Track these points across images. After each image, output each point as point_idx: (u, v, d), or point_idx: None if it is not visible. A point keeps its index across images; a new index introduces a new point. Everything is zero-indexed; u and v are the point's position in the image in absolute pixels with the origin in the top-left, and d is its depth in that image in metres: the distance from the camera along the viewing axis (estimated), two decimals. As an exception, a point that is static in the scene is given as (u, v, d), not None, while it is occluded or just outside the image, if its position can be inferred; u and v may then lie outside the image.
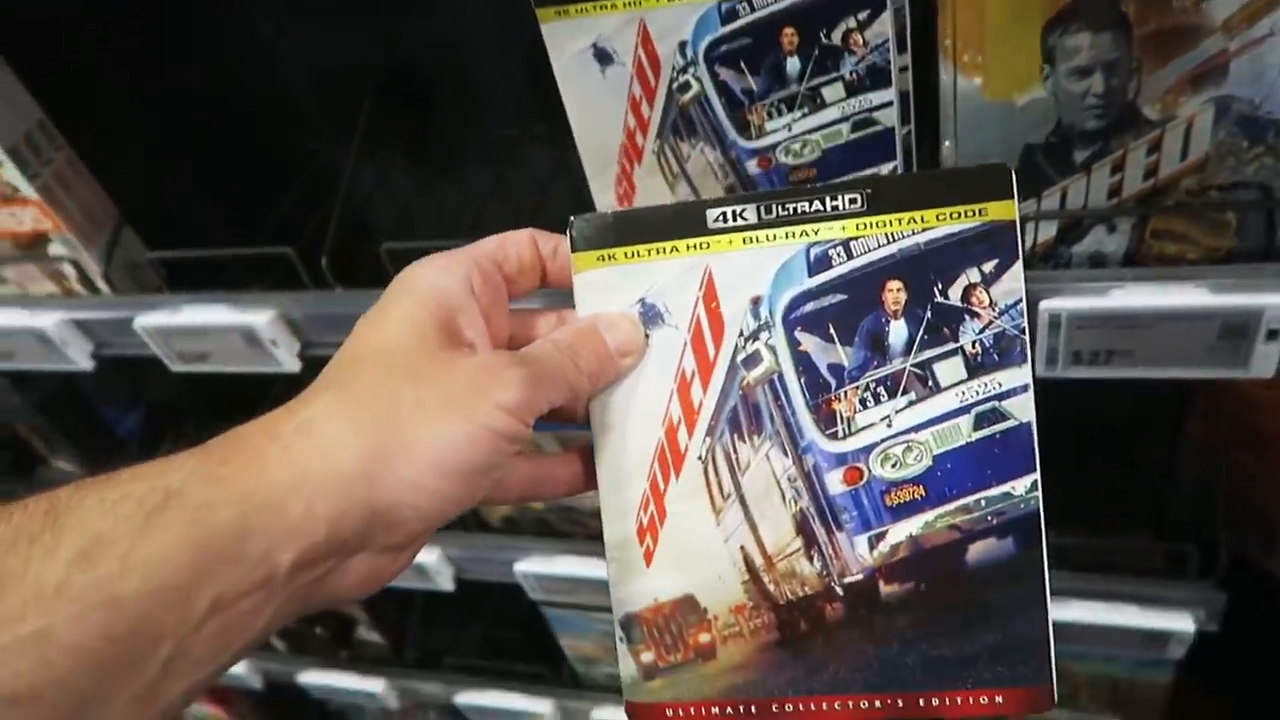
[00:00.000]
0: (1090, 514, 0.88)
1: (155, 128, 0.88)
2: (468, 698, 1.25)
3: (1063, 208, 0.58)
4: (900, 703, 0.50)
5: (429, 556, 1.03)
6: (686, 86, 0.64)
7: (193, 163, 0.87)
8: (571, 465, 0.53)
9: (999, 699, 0.49)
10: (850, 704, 0.51)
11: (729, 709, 0.52)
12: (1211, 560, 0.81)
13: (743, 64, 0.62)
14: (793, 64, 0.62)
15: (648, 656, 0.53)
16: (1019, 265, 0.48)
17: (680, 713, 0.52)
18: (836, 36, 0.60)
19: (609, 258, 0.51)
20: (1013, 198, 0.47)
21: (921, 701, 0.50)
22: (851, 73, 0.61)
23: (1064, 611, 0.82)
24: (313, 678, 1.34)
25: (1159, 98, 0.53)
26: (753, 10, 0.61)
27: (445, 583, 1.04)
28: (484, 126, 0.87)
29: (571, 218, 0.51)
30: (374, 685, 1.30)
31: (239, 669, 1.37)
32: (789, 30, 0.61)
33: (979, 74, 0.54)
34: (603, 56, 0.63)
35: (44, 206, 0.83)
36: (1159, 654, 0.83)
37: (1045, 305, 0.57)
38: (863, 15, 0.59)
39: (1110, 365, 0.58)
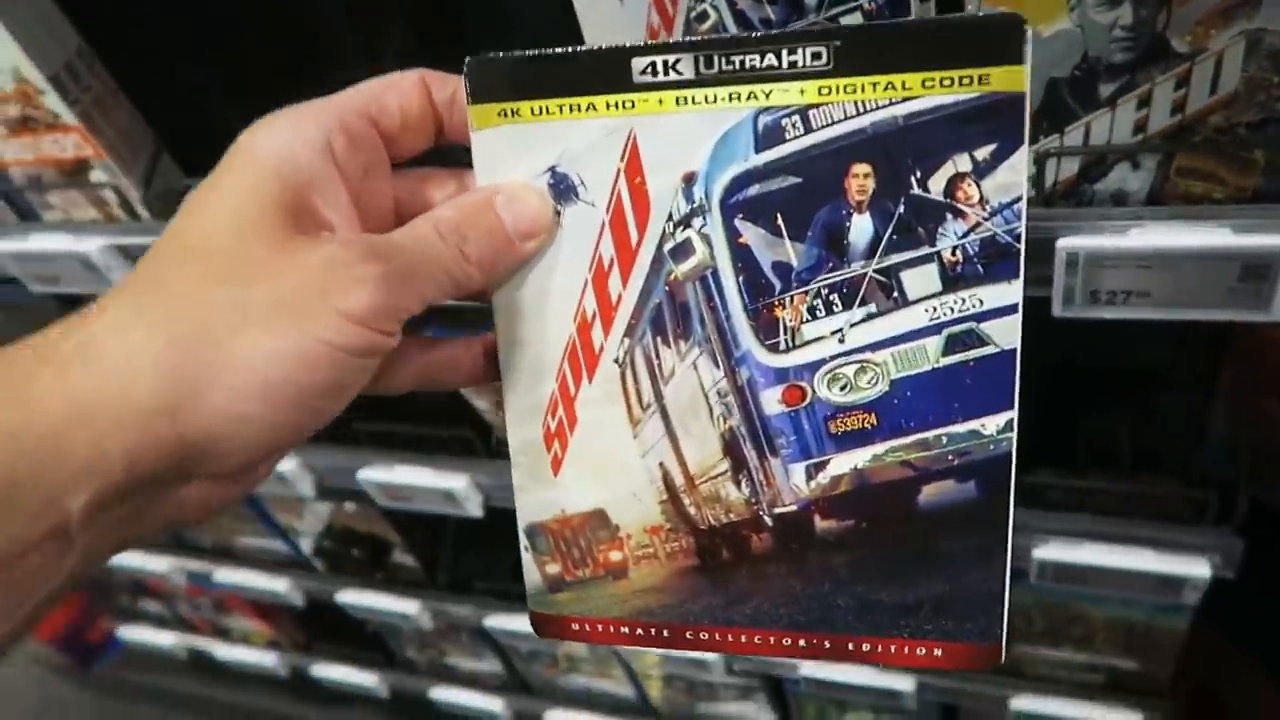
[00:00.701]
0: (1113, 458, 0.84)
1: (190, 54, 0.82)
2: (497, 620, 1.24)
3: (1086, 143, 0.53)
4: (827, 644, 0.44)
5: (457, 483, 0.99)
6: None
7: (226, 90, 0.80)
8: (473, 352, 0.45)
9: (938, 651, 0.43)
10: (772, 639, 0.45)
11: (639, 630, 0.47)
12: (1230, 506, 0.77)
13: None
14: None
15: (554, 568, 0.47)
16: (1023, 153, 0.37)
17: (587, 627, 0.47)
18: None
19: (512, 113, 0.41)
20: (1024, 62, 0.36)
21: (851, 645, 0.44)
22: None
23: (1079, 554, 0.80)
24: (350, 597, 1.35)
25: (1189, 30, 0.49)
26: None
27: (474, 509, 1.01)
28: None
29: (468, 60, 0.41)
30: (408, 607, 1.30)
31: (280, 586, 1.41)
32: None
33: (1005, 4, 0.48)
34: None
35: (84, 133, 0.82)
36: (1175, 599, 0.80)
37: (1062, 243, 0.52)
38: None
39: (1128, 306, 0.54)
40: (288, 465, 1.11)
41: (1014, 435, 0.40)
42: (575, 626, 0.48)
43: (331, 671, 1.61)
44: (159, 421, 0.34)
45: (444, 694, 1.50)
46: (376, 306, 0.36)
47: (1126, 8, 0.49)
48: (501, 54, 0.40)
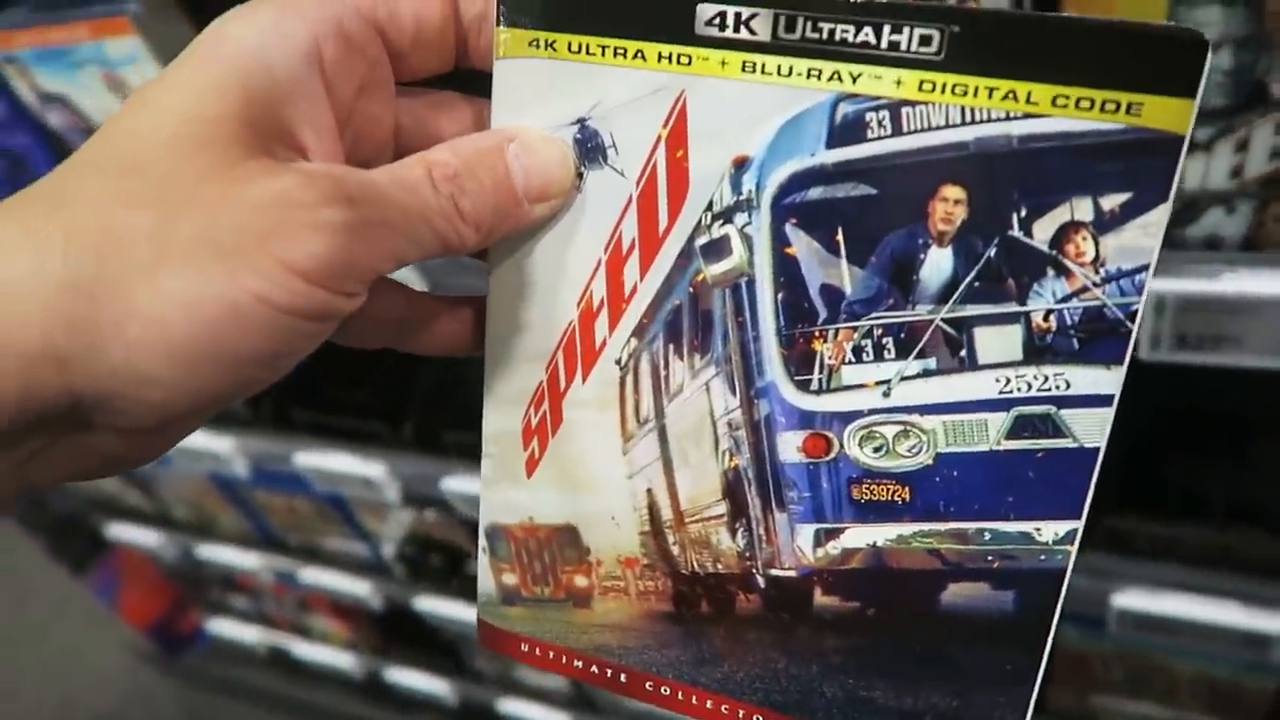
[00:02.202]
0: (1204, 506, 0.79)
1: None
2: None
3: (1180, 187, 0.48)
4: (806, 732, 0.38)
5: None
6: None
7: None
8: (461, 316, 0.39)
9: (935, 772, 0.36)
10: (740, 713, 0.38)
11: (594, 668, 0.40)
12: None
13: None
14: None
15: (510, 579, 0.41)
16: (1163, 212, 0.29)
17: (538, 651, 0.41)
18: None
19: (547, 45, 0.34)
20: (1195, 96, 0.28)
21: (831, 741, 0.37)
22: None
23: (1162, 604, 0.76)
24: (427, 604, 1.35)
25: None
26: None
27: None
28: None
29: (503, -27, 0.33)
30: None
31: (362, 589, 1.41)
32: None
33: None
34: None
35: None
36: (1261, 657, 0.74)
37: (1151, 286, 0.47)
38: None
39: (1218, 352, 0.53)
40: (374, 470, 1.11)
41: (1074, 550, 0.33)
42: (524, 647, 0.42)
43: (404, 677, 1.62)
44: (43, 368, 0.27)
45: (511, 706, 1.50)
46: (333, 261, 0.29)
47: (1225, 53, 0.49)
48: (545, -28, 0.33)
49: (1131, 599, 0.76)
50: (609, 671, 0.40)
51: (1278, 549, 0.73)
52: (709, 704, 0.39)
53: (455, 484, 1.06)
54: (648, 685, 0.40)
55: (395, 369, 1.14)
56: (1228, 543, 0.74)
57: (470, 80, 0.37)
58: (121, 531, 1.63)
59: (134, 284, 0.28)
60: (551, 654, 0.41)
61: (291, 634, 1.76)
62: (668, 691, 0.39)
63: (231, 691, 1.91)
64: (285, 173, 0.30)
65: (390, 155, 0.36)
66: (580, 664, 0.41)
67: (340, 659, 1.70)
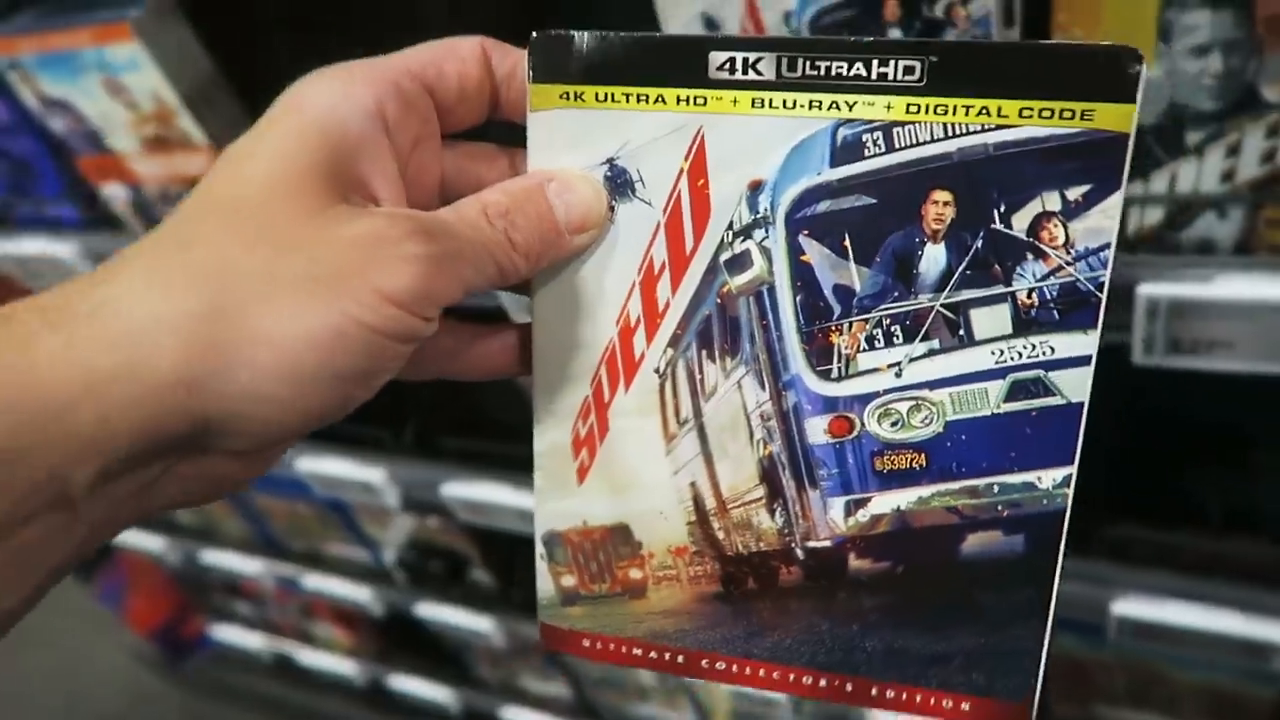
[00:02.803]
0: (1203, 513, 0.81)
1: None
2: None
3: (1172, 191, 0.53)
4: (849, 686, 0.42)
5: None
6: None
7: None
8: (507, 343, 0.43)
9: (965, 706, 0.41)
10: (791, 676, 0.43)
11: (652, 653, 0.44)
12: None
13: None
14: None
15: (569, 580, 0.45)
16: (1118, 198, 0.35)
17: (599, 645, 0.45)
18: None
19: (575, 96, 0.38)
20: (1134, 101, 0.33)
21: (874, 690, 0.42)
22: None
23: (1162, 612, 0.76)
24: (428, 610, 1.36)
25: (1279, 80, 0.49)
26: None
27: None
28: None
29: (534, 34, 0.38)
30: (482, 624, 1.30)
31: (364, 595, 1.42)
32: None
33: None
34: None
35: (213, 153, 0.86)
36: (1262, 665, 0.74)
37: (1143, 290, 0.52)
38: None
39: (1211, 356, 0.53)
40: (375, 476, 1.12)
41: (1070, 492, 0.38)
42: (586, 643, 0.46)
43: (406, 684, 1.62)
44: (174, 394, 0.31)
45: (514, 714, 1.50)
46: (419, 289, 0.33)
47: (1216, 56, 0.49)
48: (571, 31, 0.37)
49: (1131, 607, 0.76)
50: (667, 655, 0.44)
51: (1277, 556, 0.73)
52: (761, 672, 0.43)
53: (455, 489, 1.07)
54: (703, 663, 0.44)
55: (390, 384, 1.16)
56: (1226, 550, 0.75)
57: (494, 131, 0.42)
58: (127, 536, 1.62)
59: (252, 314, 0.32)
60: (612, 646, 0.45)
61: (295, 640, 1.76)
62: (722, 666, 0.44)
63: (235, 697, 1.91)
64: (371, 214, 0.34)
65: (438, 200, 0.40)
66: (640, 651, 0.45)
67: (343, 665, 1.70)
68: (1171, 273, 0.51)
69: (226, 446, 0.34)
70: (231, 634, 1.86)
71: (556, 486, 0.44)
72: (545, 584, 0.45)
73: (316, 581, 1.46)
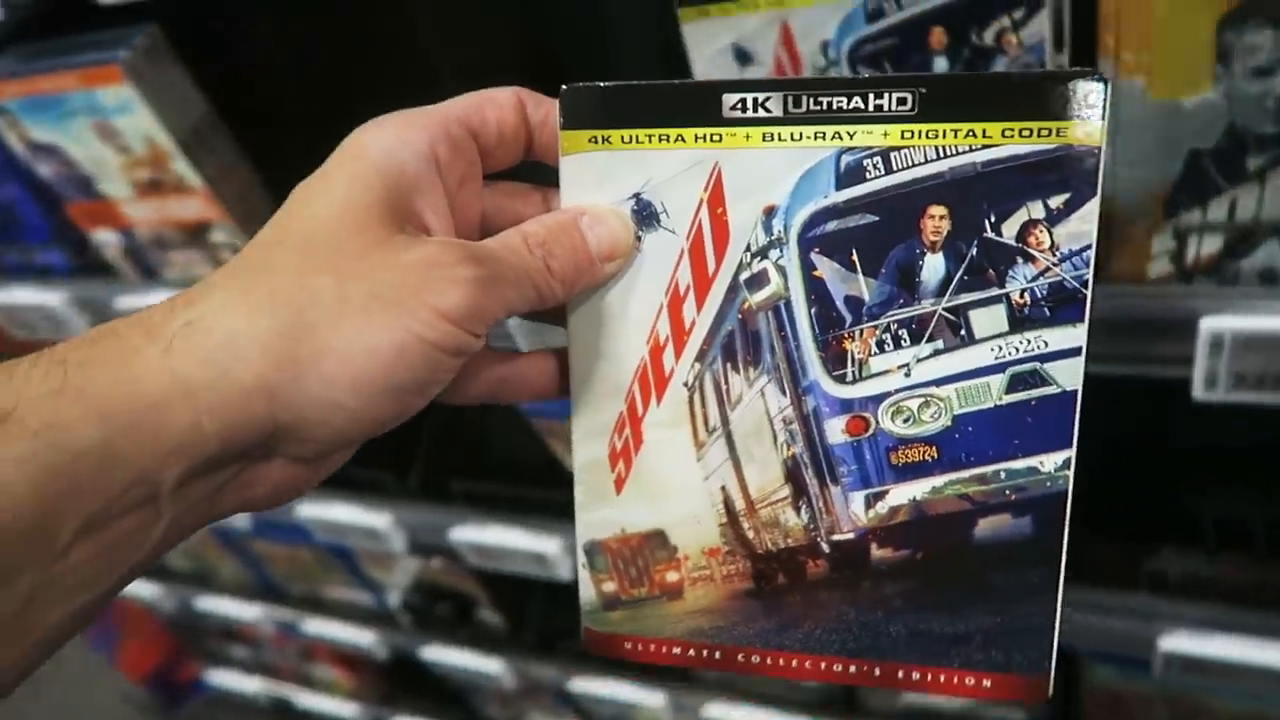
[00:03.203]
0: (1248, 543, 0.80)
1: (310, 119, 0.83)
2: (580, 683, 1.22)
3: (1232, 218, 0.51)
4: (878, 671, 0.45)
5: (549, 546, 0.99)
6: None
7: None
8: (544, 367, 0.47)
9: (987, 682, 0.44)
10: (823, 665, 0.46)
11: (691, 650, 0.48)
12: None
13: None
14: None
15: (610, 586, 0.48)
16: (1094, 204, 0.39)
17: (640, 647, 0.48)
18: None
19: (603, 140, 0.42)
20: (1101, 119, 0.38)
21: (900, 673, 0.45)
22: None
23: (1209, 646, 0.74)
24: (434, 654, 1.35)
25: None
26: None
27: (566, 573, 1.01)
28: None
29: (563, 87, 0.42)
30: (492, 665, 1.29)
31: (366, 639, 1.41)
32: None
33: (1142, 74, 0.47)
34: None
35: (208, 196, 0.85)
36: None
37: (1207, 324, 0.50)
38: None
39: (1279, 390, 0.52)
40: (380, 521, 1.11)
41: (1070, 474, 0.42)
42: (628, 645, 0.49)
43: None
44: (257, 400, 0.35)
45: None
46: (470, 307, 0.37)
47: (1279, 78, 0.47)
48: (599, 83, 0.42)
49: (1178, 642, 0.74)
50: (704, 651, 0.47)
51: None
52: (794, 663, 0.46)
53: (464, 534, 1.06)
54: (739, 657, 0.47)
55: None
56: (1270, 579, 0.73)
57: (527, 173, 0.46)
58: (118, 586, 1.60)
59: (324, 331, 0.36)
60: (653, 646, 0.48)
61: (294, 684, 1.74)
62: (757, 660, 0.47)
63: (232, 743, 1.88)
64: (425, 243, 0.39)
65: (480, 233, 0.44)
66: (679, 650, 0.48)
67: (344, 709, 1.68)
68: (1238, 304, 0.49)
69: (294, 452, 0.38)
70: (227, 678, 1.83)
71: (596, 498, 0.47)
72: (588, 591, 0.49)
73: (317, 626, 1.45)
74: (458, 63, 0.76)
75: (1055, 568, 0.43)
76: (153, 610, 1.70)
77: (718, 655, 0.47)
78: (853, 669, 0.46)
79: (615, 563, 0.48)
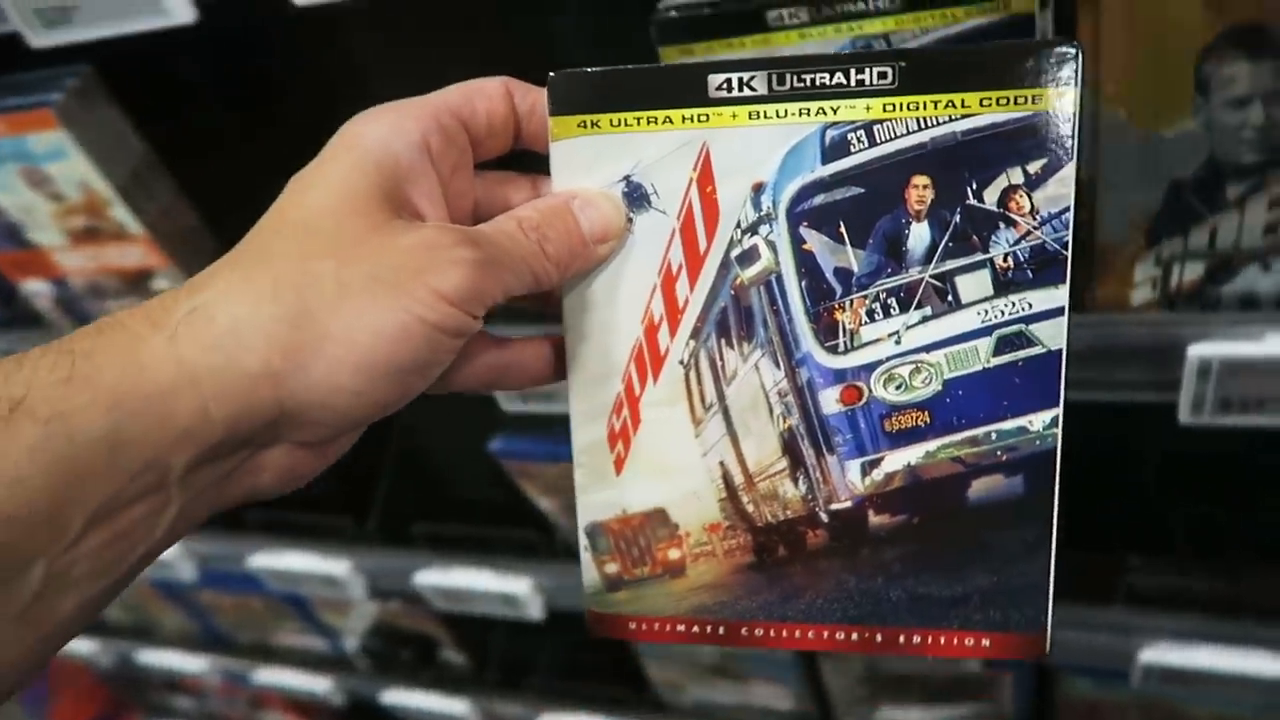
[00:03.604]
0: (1221, 553, 0.82)
1: (253, 159, 0.82)
2: (550, 719, 1.20)
3: (1212, 246, 0.53)
4: (879, 637, 0.46)
5: (519, 586, 0.96)
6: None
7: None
8: (541, 353, 0.47)
9: (986, 642, 0.45)
10: (825, 634, 0.47)
11: (695, 627, 0.48)
12: None
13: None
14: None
15: (613, 568, 0.49)
16: (1071, 168, 0.40)
17: (644, 626, 0.49)
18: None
19: (592, 124, 0.43)
20: (1074, 85, 0.39)
21: (902, 638, 0.46)
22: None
23: (1189, 656, 0.76)
24: (396, 697, 1.31)
25: None
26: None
27: (535, 613, 0.99)
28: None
29: (551, 74, 0.43)
30: (456, 706, 1.26)
31: (322, 686, 1.37)
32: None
33: (1124, 106, 0.49)
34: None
35: (150, 242, 0.82)
36: None
37: (1194, 350, 0.52)
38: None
39: (1263, 413, 0.53)
40: (339, 569, 1.08)
41: (1059, 431, 0.43)
42: (632, 625, 0.49)
43: None
44: (262, 386, 0.36)
45: None
46: (468, 288, 0.38)
47: (1257, 108, 0.49)
48: (586, 69, 0.43)
49: (1158, 654, 0.76)
50: (709, 628, 0.48)
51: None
52: (798, 634, 0.47)
53: (429, 577, 1.03)
54: (743, 631, 0.48)
55: (354, 461, 1.13)
56: (1245, 591, 0.74)
57: (514, 161, 0.47)
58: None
59: (327, 314, 0.36)
60: (657, 625, 0.49)
61: None
62: (761, 633, 0.47)
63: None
64: (423, 227, 0.39)
65: (472, 220, 0.45)
66: (683, 627, 0.48)
67: None
68: (1223, 331, 0.51)
69: (300, 437, 0.39)
70: (170, 731, 1.77)
71: (596, 480, 0.48)
72: (590, 574, 0.49)
73: (268, 675, 1.40)
74: (397, 89, 0.76)
75: (1048, 525, 0.44)
76: (89, 665, 1.64)
77: (722, 630, 0.48)
78: (855, 636, 0.47)
79: (617, 543, 0.48)
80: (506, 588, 0.99)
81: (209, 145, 0.87)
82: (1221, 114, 0.49)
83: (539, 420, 0.76)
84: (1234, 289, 0.55)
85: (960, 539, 0.45)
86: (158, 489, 0.35)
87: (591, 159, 0.44)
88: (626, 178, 0.44)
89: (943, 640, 0.46)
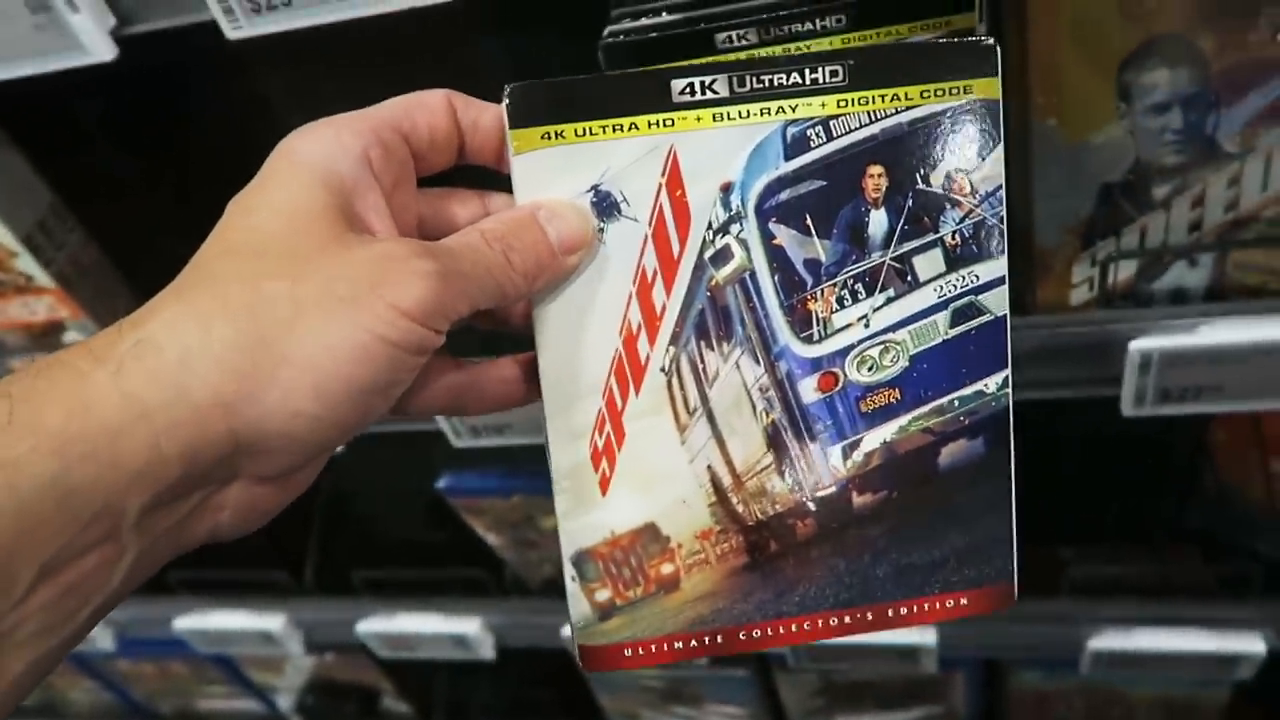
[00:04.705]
0: (1151, 536, 0.86)
1: (165, 203, 0.79)
2: None
3: (1143, 245, 0.56)
4: (869, 615, 0.48)
5: (469, 627, 0.92)
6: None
7: (205, 237, 0.75)
8: (507, 374, 0.45)
9: (964, 600, 0.48)
10: (820, 622, 0.48)
11: (693, 642, 0.47)
12: (1276, 577, 0.78)
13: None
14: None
15: (603, 595, 0.47)
16: (1000, 149, 0.45)
17: (640, 651, 0.47)
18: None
19: (555, 135, 0.42)
20: (997, 75, 0.44)
21: (890, 611, 0.48)
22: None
23: (1133, 640, 0.80)
24: None
25: (1238, 131, 0.52)
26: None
27: (487, 652, 0.94)
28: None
29: (508, 86, 0.42)
30: None
31: None
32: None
33: (1054, 115, 0.52)
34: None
35: (61, 294, 0.77)
36: (1216, 674, 0.81)
37: (1135, 345, 0.55)
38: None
39: (1200, 401, 0.56)
40: (274, 624, 1.00)
41: (1010, 391, 0.47)
42: (628, 652, 0.47)
43: None
44: (214, 417, 0.33)
45: None
46: (429, 302, 0.36)
47: (1176, 113, 0.52)
48: (546, 80, 0.42)
49: (1105, 641, 0.79)
50: (706, 639, 0.47)
51: (1230, 572, 0.79)
52: (794, 628, 0.48)
53: (373, 625, 0.98)
54: (740, 635, 0.47)
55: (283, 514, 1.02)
56: (1172, 574, 0.79)
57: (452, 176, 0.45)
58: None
59: (281, 337, 0.34)
60: (654, 647, 0.47)
61: None
62: (758, 634, 0.47)
63: None
64: (380, 240, 0.37)
65: (418, 238, 0.42)
66: (680, 644, 0.47)
67: None
68: (1160, 326, 0.54)
69: (260, 469, 0.36)
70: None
71: (580, 504, 0.46)
72: (579, 606, 0.47)
73: None
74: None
75: (1007, 480, 0.47)
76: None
77: (719, 640, 0.47)
78: (848, 619, 0.48)
79: (607, 568, 0.47)
80: (456, 629, 0.95)
81: (122, 190, 0.81)
82: (1144, 119, 0.52)
83: (479, 455, 0.71)
84: (1164, 285, 0.58)
85: (936, 505, 0.47)
86: (111, 537, 0.32)
87: (556, 170, 0.42)
88: (595, 187, 0.43)
89: (926, 607, 0.48)
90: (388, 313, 0.35)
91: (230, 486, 0.37)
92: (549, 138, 0.42)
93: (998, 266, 0.46)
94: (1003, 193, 0.45)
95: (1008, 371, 0.47)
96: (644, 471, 0.46)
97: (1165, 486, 0.85)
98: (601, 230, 0.43)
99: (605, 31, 0.47)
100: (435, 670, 1.22)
